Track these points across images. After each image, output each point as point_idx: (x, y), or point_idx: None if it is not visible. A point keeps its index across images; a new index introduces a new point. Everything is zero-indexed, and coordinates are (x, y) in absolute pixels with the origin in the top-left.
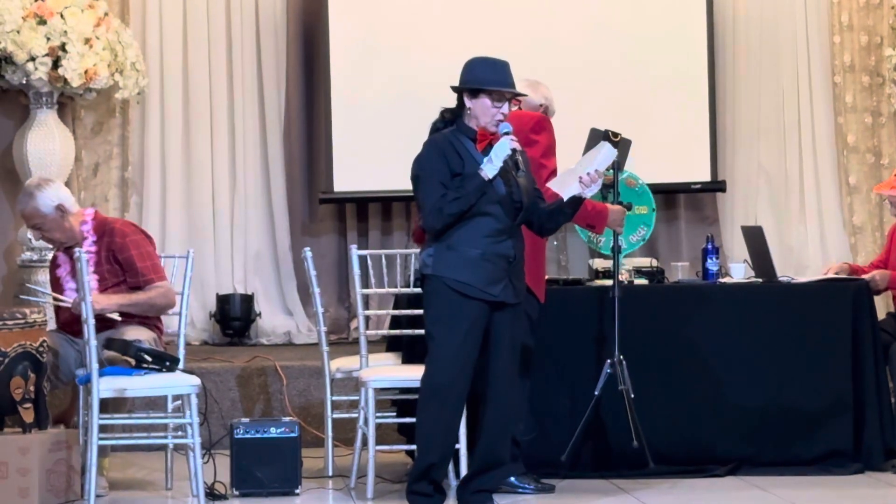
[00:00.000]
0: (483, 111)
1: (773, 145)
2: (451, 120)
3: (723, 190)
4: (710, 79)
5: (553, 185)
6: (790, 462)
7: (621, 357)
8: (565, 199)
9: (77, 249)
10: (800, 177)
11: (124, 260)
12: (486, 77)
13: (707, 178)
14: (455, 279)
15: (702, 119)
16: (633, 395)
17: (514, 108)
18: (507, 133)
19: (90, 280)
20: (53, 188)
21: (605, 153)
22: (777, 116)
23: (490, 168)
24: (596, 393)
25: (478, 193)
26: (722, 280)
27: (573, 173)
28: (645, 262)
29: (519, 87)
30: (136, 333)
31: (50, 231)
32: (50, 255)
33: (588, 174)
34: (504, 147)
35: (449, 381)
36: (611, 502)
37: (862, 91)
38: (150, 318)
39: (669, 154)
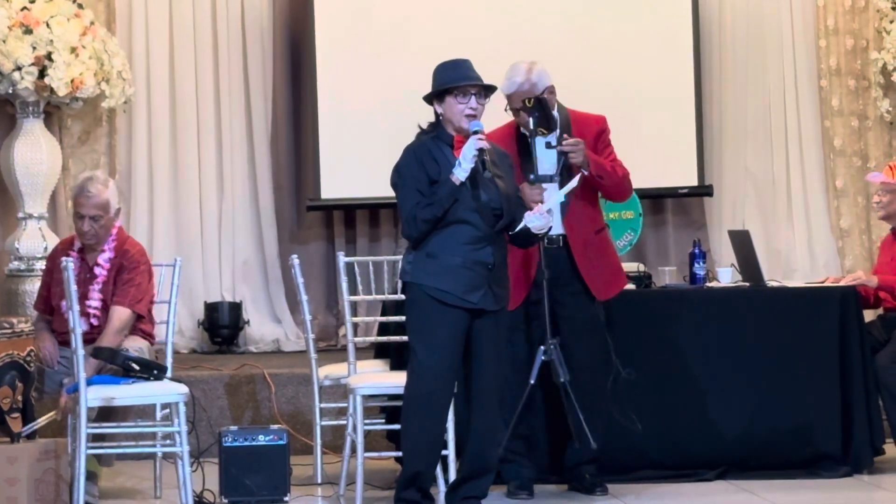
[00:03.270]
0: (451, 112)
1: (759, 149)
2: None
3: (710, 194)
4: (697, 83)
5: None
6: (779, 466)
7: (553, 343)
8: (517, 229)
9: (64, 259)
10: (787, 181)
11: (123, 279)
12: (446, 78)
13: (694, 182)
14: (434, 287)
15: (688, 123)
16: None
17: (485, 101)
18: (476, 132)
19: (96, 301)
20: (116, 188)
21: (553, 189)
22: (764, 120)
23: (460, 171)
24: (531, 381)
25: (450, 198)
26: (709, 284)
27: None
28: (632, 266)
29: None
30: (130, 342)
31: (102, 227)
32: (39, 265)
33: (535, 203)
34: (470, 147)
35: (431, 388)
36: None
37: (848, 94)
38: (140, 327)
39: (656, 159)
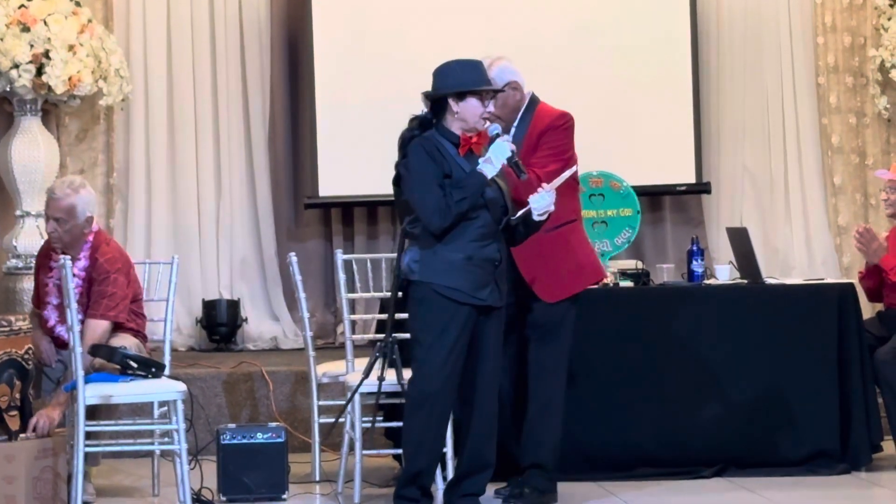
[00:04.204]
0: (471, 112)
1: (757, 146)
2: (421, 128)
3: (708, 191)
4: (695, 80)
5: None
6: (777, 463)
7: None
8: (518, 214)
9: (62, 257)
10: (784, 178)
11: (94, 292)
12: (470, 78)
13: (692, 179)
14: (444, 285)
15: (686, 121)
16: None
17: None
18: (498, 134)
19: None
20: (92, 196)
21: (566, 173)
22: (761, 118)
23: (489, 169)
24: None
25: (481, 190)
26: (707, 282)
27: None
28: (630, 264)
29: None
30: (120, 340)
31: (67, 232)
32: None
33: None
34: (504, 149)
35: (438, 387)
36: None
37: (846, 92)
38: (128, 325)
39: (654, 156)
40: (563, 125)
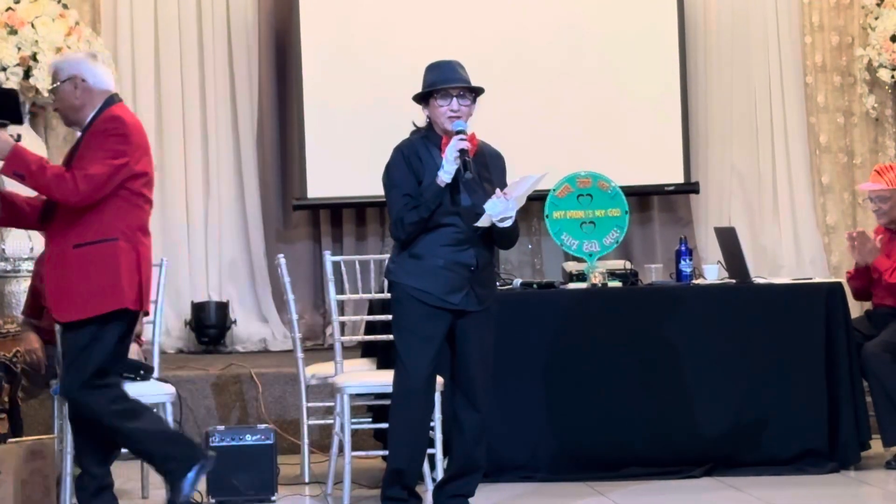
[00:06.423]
0: (435, 113)
1: (745, 146)
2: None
3: (696, 191)
4: (682, 81)
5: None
6: (766, 462)
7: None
8: (479, 222)
9: None
10: (773, 177)
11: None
12: (428, 80)
13: (680, 179)
14: (415, 287)
15: (674, 121)
16: None
17: (469, 102)
18: (459, 132)
19: None
20: None
21: (532, 179)
22: (749, 117)
23: (444, 174)
24: None
25: (435, 201)
26: (696, 281)
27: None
28: (618, 264)
29: None
30: None
31: None
32: (24, 266)
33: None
34: (451, 149)
35: (414, 386)
36: None
37: (834, 91)
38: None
39: (642, 156)
40: (107, 129)
